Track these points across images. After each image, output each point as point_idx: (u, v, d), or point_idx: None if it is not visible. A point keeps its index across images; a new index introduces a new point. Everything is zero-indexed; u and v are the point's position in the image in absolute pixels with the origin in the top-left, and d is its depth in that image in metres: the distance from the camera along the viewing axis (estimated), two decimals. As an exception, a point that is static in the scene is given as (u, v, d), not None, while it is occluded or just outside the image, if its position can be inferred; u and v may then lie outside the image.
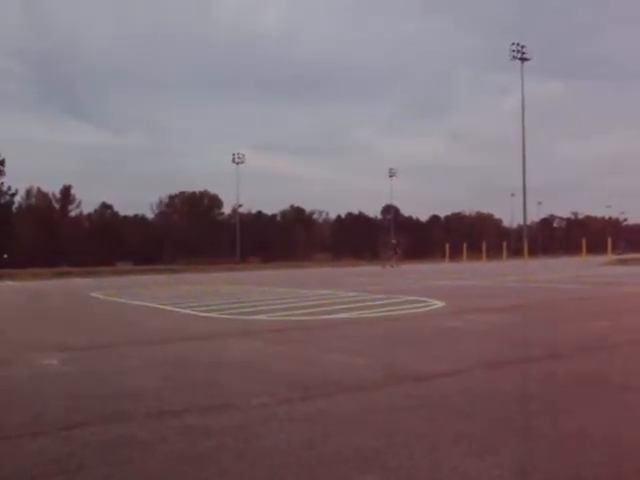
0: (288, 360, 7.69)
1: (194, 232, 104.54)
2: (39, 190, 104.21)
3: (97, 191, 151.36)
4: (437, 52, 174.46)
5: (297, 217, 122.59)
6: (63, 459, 4.07)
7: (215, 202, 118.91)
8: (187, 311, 14.05)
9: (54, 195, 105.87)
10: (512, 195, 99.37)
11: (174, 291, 23.12)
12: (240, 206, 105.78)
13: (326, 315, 12.53)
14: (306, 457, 3.98)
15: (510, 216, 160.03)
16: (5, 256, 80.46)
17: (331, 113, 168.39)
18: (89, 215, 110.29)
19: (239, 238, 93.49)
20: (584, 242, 60.47)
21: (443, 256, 71.04)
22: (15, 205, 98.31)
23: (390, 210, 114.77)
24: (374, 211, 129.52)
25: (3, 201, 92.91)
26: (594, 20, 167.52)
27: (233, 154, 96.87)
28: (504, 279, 26.94)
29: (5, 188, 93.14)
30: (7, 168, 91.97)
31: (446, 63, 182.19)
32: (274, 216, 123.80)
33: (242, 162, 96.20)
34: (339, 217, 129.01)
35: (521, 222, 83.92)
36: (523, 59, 71.51)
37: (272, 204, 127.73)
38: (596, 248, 73.91)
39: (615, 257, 57.33)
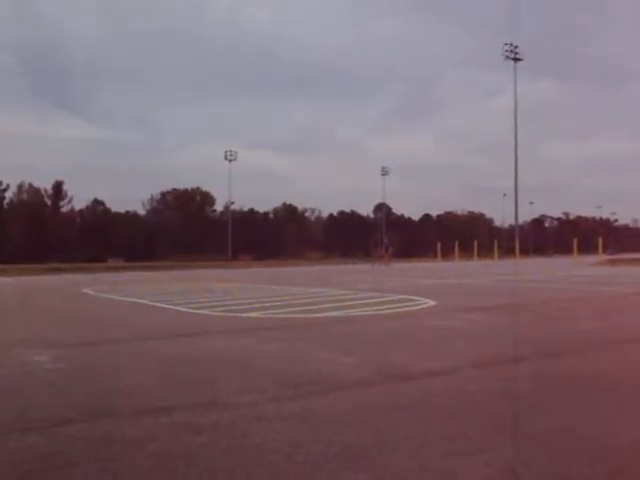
0: (278, 358, 7.69)
1: (186, 229, 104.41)
2: (30, 185, 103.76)
3: (89, 187, 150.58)
4: (429, 51, 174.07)
5: (289, 215, 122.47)
6: (52, 456, 4.07)
7: (207, 199, 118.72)
8: (178, 308, 14.04)
9: (45, 190, 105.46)
10: (504, 195, 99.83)
11: (165, 288, 23.07)
12: (232, 203, 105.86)
13: (317, 313, 12.54)
14: (294, 455, 3.99)
15: (502, 216, 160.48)
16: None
17: (324, 111, 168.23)
18: (81, 211, 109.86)
19: (231, 235, 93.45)
20: (575, 242, 60.73)
21: (435, 255, 71.19)
22: (6, 200, 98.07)
23: (382, 208, 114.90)
24: (366, 210, 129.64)
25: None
26: (586, 21, 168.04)
27: (225, 151, 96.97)
28: (495, 278, 27.03)
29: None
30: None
31: (438, 62, 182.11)
32: (266, 214, 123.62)
33: (234, 159, 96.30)
34: (331, 215, 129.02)
35: (512, 222, 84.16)
36: (516, 59, 71.72)
37: (264, 202, 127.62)
38: (587, 248, 74.31)
39: (606, 257, 57.61)
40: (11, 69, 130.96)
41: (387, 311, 12.94)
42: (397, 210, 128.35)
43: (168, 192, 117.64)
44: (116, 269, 50.15)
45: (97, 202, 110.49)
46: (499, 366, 7.06)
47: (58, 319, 13.11)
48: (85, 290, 21.59)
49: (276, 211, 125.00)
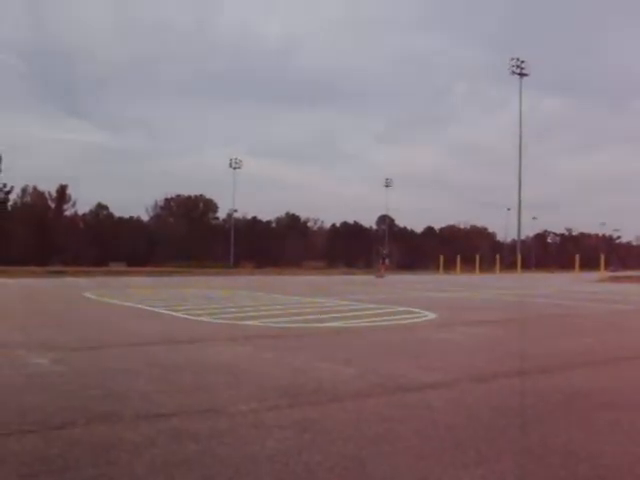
0: (278, 367, 7.70)
1: (188, 236, 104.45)
2: (35, 189, 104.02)
3: (93, 191, 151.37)
4: (436, 65, 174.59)
5: (292, 224, 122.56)
6: (50, 459, 4.07)
7: (210, 206, 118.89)
8: (179, 314, 14.06)
9: (50, 194, 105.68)
10: (508, 209, 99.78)
11: (167, 294, 23.10)
12: (235, 211, 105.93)
13: (317, 323, 12.55)
14: (292, 464, 4.00)
15: (504, 230, 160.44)
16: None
17: (329, 122, 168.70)
18: (84, 215, 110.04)
19: (233, 243, 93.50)
20: (577, 258, 60.70)
21: (437, 268, 71.15)
22: (10, 203, 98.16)
23: (385, 220, 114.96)
24: (369, 221, 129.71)
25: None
26: (592, 36, 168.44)
27: (230, 159, 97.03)
28: (497, 292, 27.01)
29: (0, 185, 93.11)
30: (4, 165, 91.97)
31: (445, 76, 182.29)
32: (269, 222, 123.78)
33: (239, 167, 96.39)
34: (334, 226, 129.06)
35: (515, 237, 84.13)
36: (522, 74, 71.97)
37: (267, 210, 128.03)
38: (589, 264, 74.23)
39: (608, 274, 57.50)
40: (17, 72, 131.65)
41: (387, 323, 12.94)
42: (400, 222, 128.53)
43: (172, 198, 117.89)
44: (118, 273, 50.19)
45: (101, 206, 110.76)
46: (498, 380, 7.06)
47: (58, 322, 13.12)
48: (86, 294, 21.62)
49: (279, 220, 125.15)
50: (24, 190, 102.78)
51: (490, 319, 14.41)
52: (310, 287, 29.75)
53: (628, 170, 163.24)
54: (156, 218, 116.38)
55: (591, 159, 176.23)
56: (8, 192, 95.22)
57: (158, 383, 6.59)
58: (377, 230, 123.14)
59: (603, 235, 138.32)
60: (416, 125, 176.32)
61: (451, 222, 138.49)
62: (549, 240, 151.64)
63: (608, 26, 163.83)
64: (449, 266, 71.66)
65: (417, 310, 15.55)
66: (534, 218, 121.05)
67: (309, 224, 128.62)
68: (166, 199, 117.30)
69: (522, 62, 71.81)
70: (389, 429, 4.88)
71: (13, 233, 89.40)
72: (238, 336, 10.59)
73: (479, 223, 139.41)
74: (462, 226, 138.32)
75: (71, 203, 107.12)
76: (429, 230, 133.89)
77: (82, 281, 34.68)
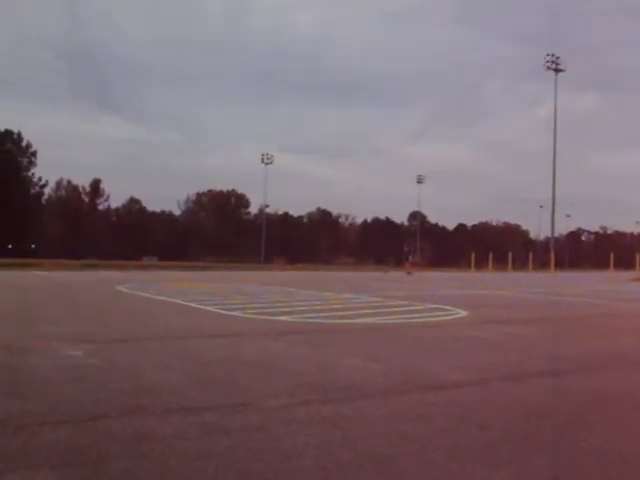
0: (309, 362, 7.70)
1: (220, 230, 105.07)
2: (69, 182, 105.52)
3: (126, 185, 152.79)
4: (470, 60, 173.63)
5: (323, 220, 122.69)
6: (83, 450, 4.12)
7: (242, 201, 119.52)
8: (210, 308, 14.13)
9: (83, 188, 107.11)
10: (541, 207, 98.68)
11: (198, 288, 23.25)
12: (267, 206, 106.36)
13: (348, 319, 12.53)
14: (323, 460, 3.99)
15: (537, 228, 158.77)
16: (33, 246, 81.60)
17: (362, 117, 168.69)
18: (117, 209, 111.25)
19: (264, 238, 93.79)
20: (612, 257, 59.84)
21: (468, 265, 70.57)
22: (45, 196, 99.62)
23: (417, 217, 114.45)
24: (401, 217, 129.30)
25: (33, 192, 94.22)
26: (629, 32, 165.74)
27: (262, 154, 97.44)
28: (529, 291, 26.74)
29: (36, 179, 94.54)
30: (39, 159, 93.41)
31: (479, 71, 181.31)
32: (300, 218, 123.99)
33: (271, 163, 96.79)
34: (365, 222, 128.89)
35: (548, 234, 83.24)
36: (557, 70, 71.11)
37: (299, 206, 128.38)
38: (624, 264, 73.00)
39: (643, 274, 56.54)
40: (54, 68, 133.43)
41: (418, 320, 12.88)
42: (432, 218, 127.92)
43: (204, 193, 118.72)
44: (150, 267, 50.66)
45: (133, 201, 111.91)
46: (531, 379, 6.98)
47: (91, 315, 13.27)
48: (119, 287, 21.84)
49: (310, 216, 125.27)
50: (58, 184, 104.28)
51: (522, 318, 14.26)
52: (342, 283, 29.72)
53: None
54: (188, 212, 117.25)
55: (627, 156, 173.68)
56: (43, 186, 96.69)
57: (189, 377, 6.63)
58: (409, 226, 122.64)
59: (639, 234, 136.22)
60: (449, 121, 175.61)
61: (483, 219, 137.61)
62: (583, 238, 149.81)
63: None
64: (481, 264, 71.03)
65: (449, 307, 15.46)
66: (568, 216, 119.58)
67: (340, 220, 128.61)
68: (198, 194, 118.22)
69: (557, 58, 70.99)
70: (420, 427, 4.86)
71: (47, 226, 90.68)
72: (270, 331, 10.61)
73: (512, 220, 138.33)
74: (494, 223, 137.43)
75: (104, 197, 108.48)
76: (461, 227, 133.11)
77: (115, 274, 35.05)
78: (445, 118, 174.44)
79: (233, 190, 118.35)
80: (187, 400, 5.49)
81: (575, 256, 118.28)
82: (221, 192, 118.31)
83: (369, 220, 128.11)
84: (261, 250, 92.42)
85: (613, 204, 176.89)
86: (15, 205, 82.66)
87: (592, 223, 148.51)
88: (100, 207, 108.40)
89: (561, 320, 14.46)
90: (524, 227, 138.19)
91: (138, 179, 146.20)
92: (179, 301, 16.19)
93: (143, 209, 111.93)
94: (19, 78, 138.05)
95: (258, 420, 4.91)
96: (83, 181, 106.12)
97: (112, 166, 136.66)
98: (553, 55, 71.14)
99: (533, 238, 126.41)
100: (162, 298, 17.31)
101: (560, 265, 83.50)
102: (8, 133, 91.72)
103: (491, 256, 70.24)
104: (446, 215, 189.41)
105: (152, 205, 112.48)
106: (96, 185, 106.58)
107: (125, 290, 20.65)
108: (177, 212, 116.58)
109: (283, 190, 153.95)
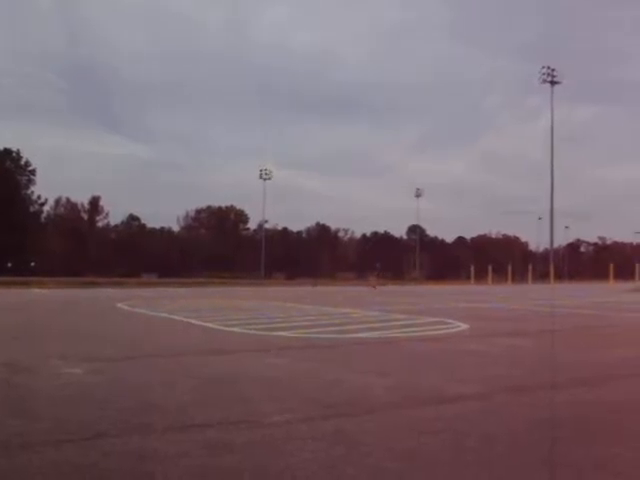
0: (311, 378, 7.68)
1: (219, 246, 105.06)
2: (68, 200, 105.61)
3: (125, 202, 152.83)
4: (468, 75, 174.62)
5: (322, 235, 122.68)
6: (86, 468, 4.10)
7: (241, 217, 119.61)
8: (211, 325, 14.11)
9: (82, 205, 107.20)
10: (539, 219, 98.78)
11: (198, 304, 23.23)
12: (266, 222, 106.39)
13: (349, 334, 12.50)
14: (327, 476, 3.98)
15: (536, 240, 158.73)
16: (32, 264, 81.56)
17: (360, 133, 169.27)
18: (116, 226, 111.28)
19: (264, 254, 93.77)
20: (611, 268, 59.86)
21: (468, 278, 70.61)
22: (44, 214, 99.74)
23: (416, 230, 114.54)
24: (400, 231, 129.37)
25: (32, 210, 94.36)
26: (624, 44, 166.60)
27: (260, 170, 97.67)
28: (530, 303, 26.72)
29: (35, 197, 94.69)
30: (38, 177, 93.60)
31: (476, 86, 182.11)
32: (299, 233, 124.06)
33: (269, 178, 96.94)
34: (364, 236, 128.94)
35: (547, 246, 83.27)
36: (553, 82, 71.47)
37: (298, 221, 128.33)
38: (624, 275, 73.04)
39: (643, 284, 56.53)
40: (54, 85, 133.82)
41: (420, 333, 12.86)
42: (431, 232, 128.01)
43: (203, 209, 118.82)
44: (150, 284, 50.62)
45: (133, 218, 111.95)
46: (534, 392, 6.96)
47: (92, 333, 13.24)
48: (119, 305, 21.82)
49: (309, 230, 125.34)
50: (57, 201, 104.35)
51: (524, 330, 14.24)
52: (342, 297, 29.72)
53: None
54: (187, 229, 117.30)
55: (625, 168, 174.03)
56: (42, 204, 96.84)
57: (191, 394, 6.61)
58: (408, 240, 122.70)
59: (638, 244, 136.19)
60: (448, 135, 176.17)
61: (482, 232, 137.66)
62: (582, 249, 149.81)
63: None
64: (480, 276, 71.08)
65: (449, 321, 15.43)
66: (566, 227, 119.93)
67: (339, 234, 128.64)
68: (197, 210, 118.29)
69: (553, 70, 71.37)
70: (423, 442, 4.84)
71: (47, 244, 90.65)
72: (271, 347, 10.58)
73: (511, 232, 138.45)
74: (494, 235, 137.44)
75: (104, 214, 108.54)
76: (460, 240, 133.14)
77: (114, 292, 35.02)
78: (444, 132, 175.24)
79: (232, 206, 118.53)
80: (190, 417, 5.47)
81: (575, 267, 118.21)
82: (220, 208, 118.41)
83: (368, 234, 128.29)
84: (261, 265, 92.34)
85: (612, 215, 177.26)
86: (14, 223, 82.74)
87: (591, 234, 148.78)
88: (99, 224, 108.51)
89: (562, 332, 14.41)
90: (523, 239, 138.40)
91: (137, 196, 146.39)
92: (179, 318, 16.16)
93: (142, 226, 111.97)
94: (19, 96, 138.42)
95: (261, 436, 4.89)
96: (82, 198, 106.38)
97: (112, 183, 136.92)
98: (549, 68, 71.54)
99: (532, 250, 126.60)
100: (162, 315, 17.28)
101: (560, 276, 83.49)
102: (7, 152, 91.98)
103: (491, 269, 70.30)
104: (445, 228, 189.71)
105: (151, 222, 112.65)
106: (95, 202, 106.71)
107: (126, 307, 20.63)
108: (176, 229, 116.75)
109: (282, 205, 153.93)
